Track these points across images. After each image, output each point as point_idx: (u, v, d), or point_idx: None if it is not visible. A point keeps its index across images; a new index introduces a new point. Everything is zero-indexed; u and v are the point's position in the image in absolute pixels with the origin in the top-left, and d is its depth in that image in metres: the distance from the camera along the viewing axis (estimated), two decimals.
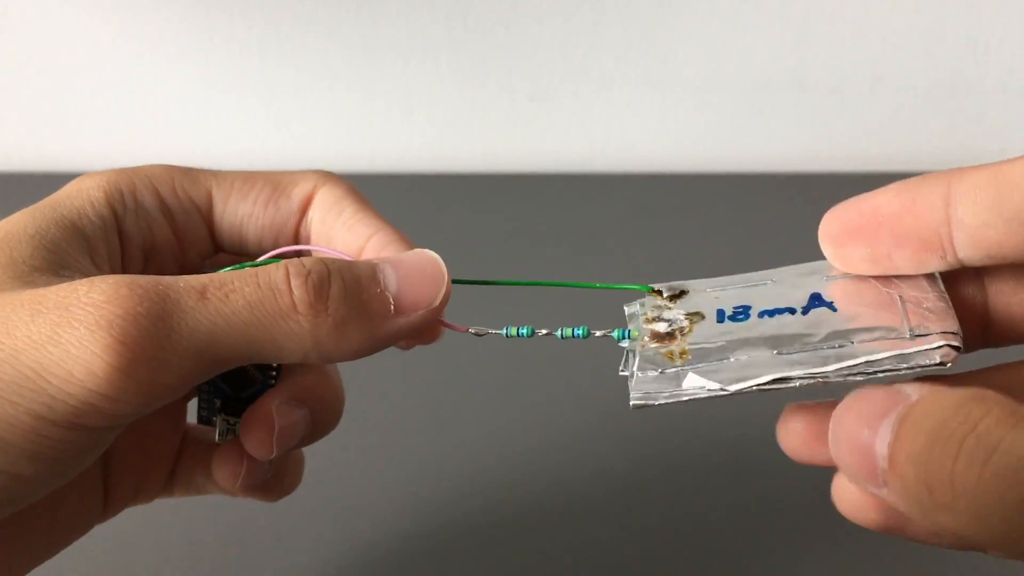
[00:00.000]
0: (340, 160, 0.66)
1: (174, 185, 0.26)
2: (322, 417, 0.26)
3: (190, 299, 0.20)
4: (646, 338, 0.23)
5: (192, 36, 0.63)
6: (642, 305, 0.24)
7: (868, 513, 0.21)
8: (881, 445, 0.18)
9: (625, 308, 0.25)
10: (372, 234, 0.26)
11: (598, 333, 0.24)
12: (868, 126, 0.67)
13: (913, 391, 0.18)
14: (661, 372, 0.22)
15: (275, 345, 0.21)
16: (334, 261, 0.22)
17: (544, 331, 0.24)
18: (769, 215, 0.61)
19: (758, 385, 0.21)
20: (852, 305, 0.22)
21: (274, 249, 0.27)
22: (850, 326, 0.21)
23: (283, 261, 0.22)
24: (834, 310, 0.22)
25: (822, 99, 0.66)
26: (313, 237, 0.27)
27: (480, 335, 0.24)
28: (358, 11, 0.62)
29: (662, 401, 0.21)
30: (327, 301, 0.21)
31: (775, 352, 0.21)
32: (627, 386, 0.22)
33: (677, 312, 0.23)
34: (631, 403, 0.22)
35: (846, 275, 0.22)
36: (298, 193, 0.26)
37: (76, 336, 0.19)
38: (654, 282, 0.25)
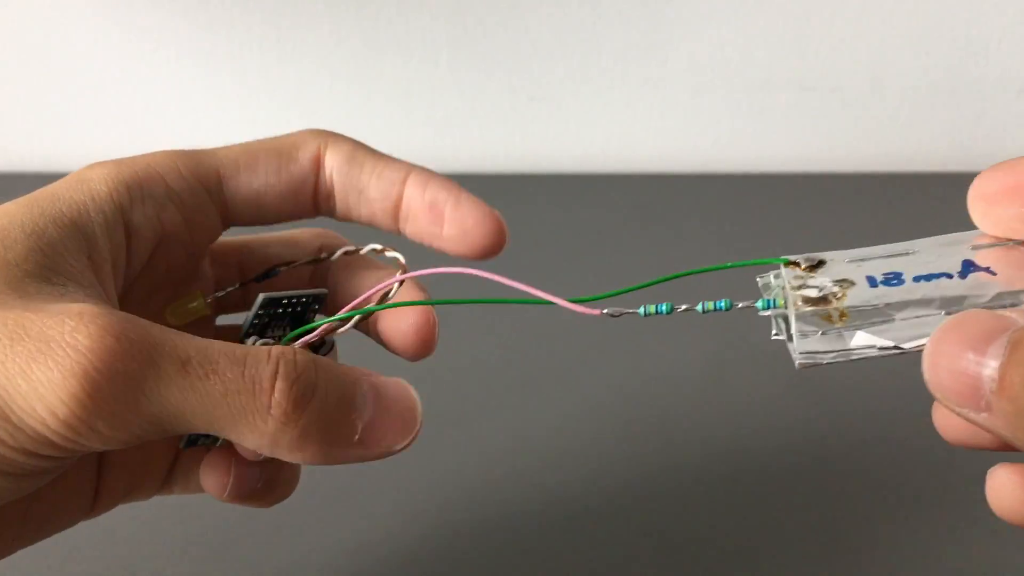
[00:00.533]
0: None
1: (180, 169, 0.25)
2: None
3: (171, 368, 0.20)
4: (799, 302, 0.22)
5: (192, 36, 0.63)
6: (776, 277, 0.24)
7: None
8: (988, 369, 0.18)
9: (758, 279, 0.24)
10: (405, 176, 0.26)
11: (740, 305, 0.23)
12: (868, 126, 0.67)
13: (1019, 316, 0.18)
14: (823, 333, 0.21)
15: (235, 432, 0.20)
16: (325, 368, 0.21)
17: (683, 307, 0.23)
18: (769, 215, 0.61)
19: None
20: (1010, 269, 0.21)
21: (292, 212, 0.27)
22: (1017, 287, 0.20)
23: (275, 353, 0.21)
24: (993, 274, 0.21)
25: (822, 99, 0.66)
26: (338, 193, 0.27)
27: (615, 316, 0.23)
28: (358, 11, 0.62)
29: (830, 360, 0.21)
30: (302, 413, 0.21)
31: (944, 312, 0.20)
32: (786, 350, 0.22)
33: (823, 279, 0.22)
34: (796, 363, 0.21)
35: (991, 245, 0.22)
36: (305, 156, 0.26)
37: (48, 377, 0.19)
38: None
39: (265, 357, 0.21)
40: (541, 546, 0.38)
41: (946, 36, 0.63)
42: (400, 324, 0.26)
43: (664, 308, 0.23)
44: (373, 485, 0.40)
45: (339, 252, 0.28)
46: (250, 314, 0.26)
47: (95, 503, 0.26)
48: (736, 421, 0.44)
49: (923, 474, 0.41)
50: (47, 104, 0.65)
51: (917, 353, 0.20)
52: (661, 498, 0.40)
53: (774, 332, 0.23)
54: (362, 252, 0.27)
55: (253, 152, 0.26)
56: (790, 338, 0.22)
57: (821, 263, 0.23)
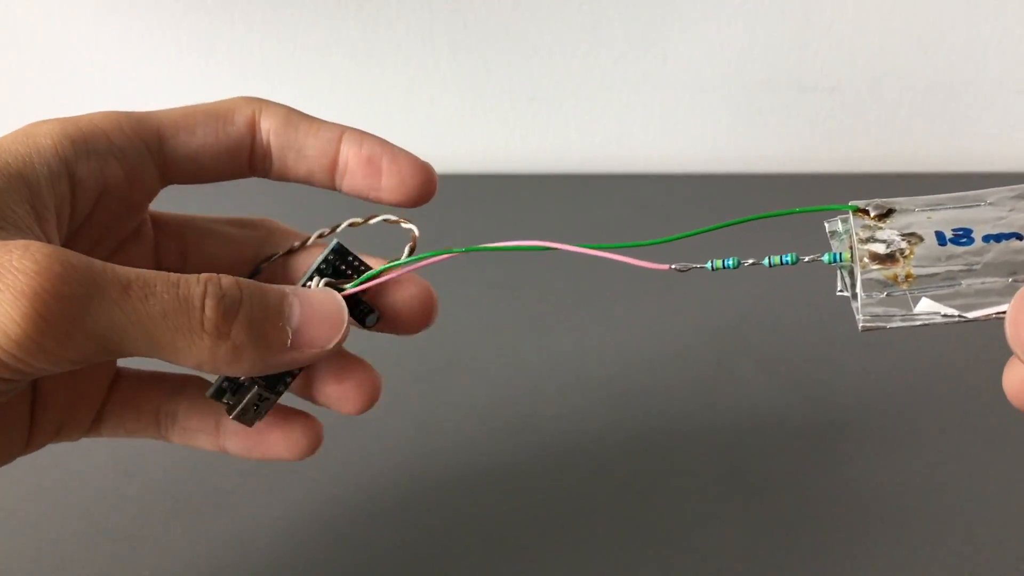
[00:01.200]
0: None
1: (122, 127, 0.26)
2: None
3: (114, 291, 0.21)
4: (865, 259, 0.22)
5: (192, 36, 0.63)
6: (844, 222, 0.23)
7: None
8: None
9: (826, 224, 0.24)
10: (340, 134, 0.28)
11: (806, 259, 0.23)
12: (868, 126, 0.67)
13: None
14: (888, 295, 0.21)
15: (174, 350, 0.22)
16: (248, 285, 0.23)
17: (750, 261, 0.24)
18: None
19: (998, 313, 0.20)
20: None
21: (228, 172, 0.28)
22: None
23: (203, 277, 0.23)
24: None
25: (822, 99, 0.66)
26: (276, 152, 0.28)
27: (683, 271, 0.24)
28: (358, 12, 0.62)
29: (895, 325, 0.21)
30: (232, 326, 0.22)
31: (1011, 279, 0.21)
32: (850, 308, 0.22)
33: (891, 232, 0.22)
34: (860, 326, 0.21)
35: None
36: (241, 119, 0.28)
37: (1, 299, 0.20)
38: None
39: (195, 280, 0.22)
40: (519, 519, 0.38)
41: (946, 36, 0.63)
42: (400, 296, 0.28)
43: (731, 263, 0.24)
44: (361, 452, 0.40)
45: (345, 223, 0.29)
46: (319, 259, 0.27)
47: (28, 441, 0.27)
48: (733, 420, 0.44)
49: (923, 472, 0.41)
50: (47, 105, 0.65)
51: (954, 327, 0.20)
52: (657, 493, 0.40)
53: (839, 288, 0.23)
54: (373, 222, 0.29)
55: (192, 114, 0.27)
56: (854, 296, 0.22)
57: (891, 211, 0.23)
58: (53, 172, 0.24)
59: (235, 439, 0.28)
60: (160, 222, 0.30)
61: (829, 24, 0.63)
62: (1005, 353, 0.22)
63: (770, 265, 0.23)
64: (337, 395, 0.28)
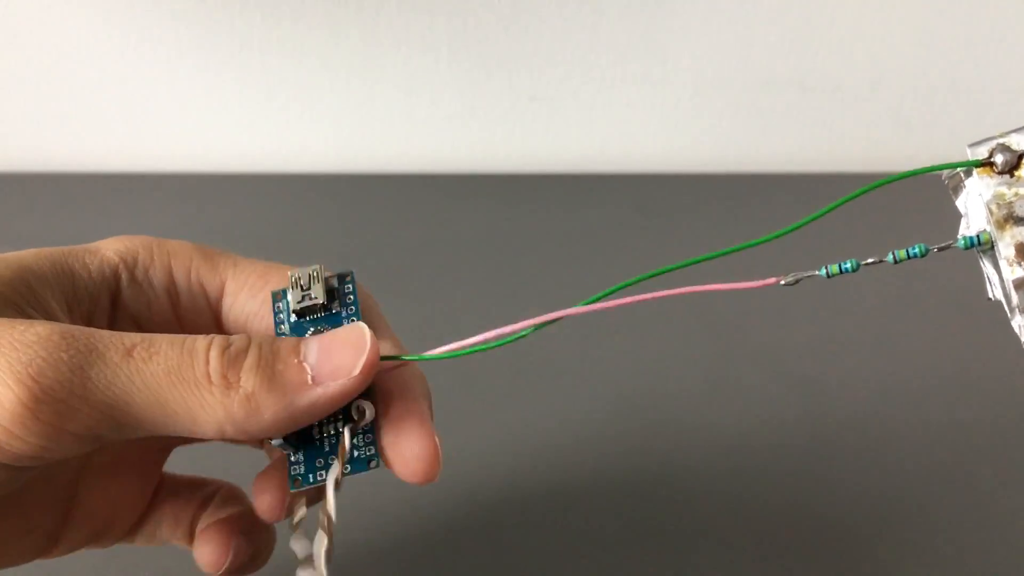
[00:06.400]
0: (340, 160, 0.66)
1: (190, 268, 0.25)
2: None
3: (115, 355, 0.20)
4: (1011, 253, 0.18)
5: (193, 35, 0.63)
6: (968, 175, 0.18)
7: None
8: None
9: (944, 179, 0.20)
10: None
11: (936, 248, 0.20)
12: (868, 126, 0.67)
13: None
14: None
15: (189, 414, 0.21)
16: (259, 335, 0.22)
17: (871, 260, 0.20)
18: (769, 215, 0.61)
19: None
20: None
21: None
22: None
23: (212, 335, 0.21)
24: None
25: (822, 99, 0.66)
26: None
27: (793, 284, 0.21)
28: (359, 11, 0.62)
29: None
30: (239, 372, 0.21)
31: None
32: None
33: None
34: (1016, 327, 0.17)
35: None
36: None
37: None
38: None
39: (202, 336, 0.21)
40: (530, 541, 0.38)
41: (946, 36, 0.63)
42: (404, 452, 0.24)
43: (849, 266, 0.20)
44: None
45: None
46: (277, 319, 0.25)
47: (54, 546, 0.26)
48: (735, 421, 0.44)
49: (923, 473, 0.41)
50: (47, 104, 0.65)
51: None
52: (660, 498, 0.40)
53: (988, 294, 0.19)
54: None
55: (266, 277, 0.26)
56: (1012, 311, 0.18)
57: (1022, 158, 0.18)
58: (100, 286, 0.24)
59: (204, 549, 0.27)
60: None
61: (829, 24, 0.63)
62: (1005, 352, 0.22)
63: (895, 261, 0.20)
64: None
